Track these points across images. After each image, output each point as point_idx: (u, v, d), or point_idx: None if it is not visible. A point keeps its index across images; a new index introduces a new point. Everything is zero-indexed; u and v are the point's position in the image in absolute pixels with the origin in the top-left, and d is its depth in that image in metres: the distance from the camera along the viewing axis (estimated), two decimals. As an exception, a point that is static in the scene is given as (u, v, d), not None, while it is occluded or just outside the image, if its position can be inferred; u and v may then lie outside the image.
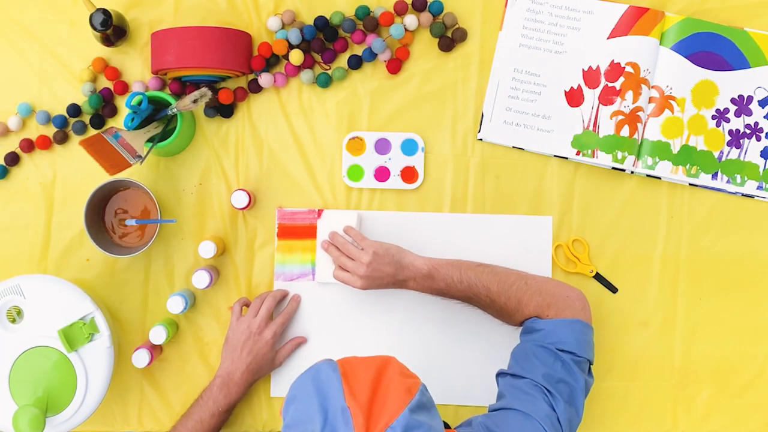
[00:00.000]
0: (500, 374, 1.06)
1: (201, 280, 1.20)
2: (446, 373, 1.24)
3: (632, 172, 1.25)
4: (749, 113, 1.25)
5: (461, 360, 1.24)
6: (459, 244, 1.24)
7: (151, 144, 1.18)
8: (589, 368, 1.06)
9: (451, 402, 1.24)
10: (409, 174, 1.26)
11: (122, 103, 1.27)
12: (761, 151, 1.24)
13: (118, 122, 1.27)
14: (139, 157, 1.17)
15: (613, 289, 1.25)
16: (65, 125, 1.27)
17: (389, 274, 1.15)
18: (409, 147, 1.26)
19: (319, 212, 1.25)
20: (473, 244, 1.24)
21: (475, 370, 1.24)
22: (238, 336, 1.19)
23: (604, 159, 1.23)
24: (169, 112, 1.18)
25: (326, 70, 1.27)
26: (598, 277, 1.25)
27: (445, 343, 1.24)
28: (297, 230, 1.26)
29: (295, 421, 0.81)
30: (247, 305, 1.24)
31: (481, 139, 1.26)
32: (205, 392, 1.18)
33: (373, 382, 0.80)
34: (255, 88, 1.26)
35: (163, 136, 1.19)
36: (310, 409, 0.80)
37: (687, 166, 1.24)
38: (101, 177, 1.19)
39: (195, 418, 1.16)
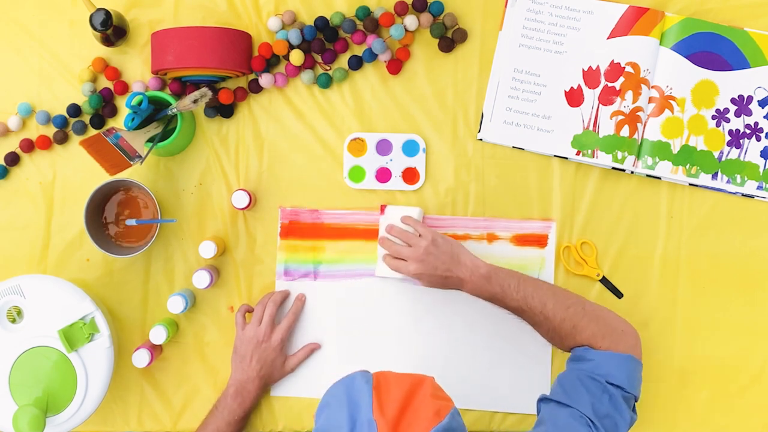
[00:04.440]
0: (543, 400, 1.02)
1: (201, 280, 1.20)
2: (450, 375, 1.23)
3: (632, 172, 1.25)
4: (749, 113, 1.25)
5: (467, 362, 1.24)
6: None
7: (151, 144, 1.18)
8: (634, 405, 1.03)
9: (458, 406, 1.24)
10: (410, 175, 1.25)
11: (122, 103, 1.27)
12: (761, 151, 1.25)
13: (118, 122, 1.27)
14: (139, 157, 1.16)
15: (619, 294, 1.24)
16: (65, 125, 1.27)
17: (445, 267, 1.12)
18: (410, 148, 1.25)
19: (382, 208, 1.23)
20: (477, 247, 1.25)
21: (483, 375, 1.24)
22: (246, 345, 1.20)
23: (604, 159, 1.23)
24: (169, 112, 1.17)
25: (327, 70, 1.27)
26: (604, 281, 1.24)
27: (451, 343, 1.24)
28: (299, 229, 1.26)
29: (325, 427, 0.82)
30: (250, 311, 1.24)
31: (481, 140, 1.26)
32: (220, 402, 1.19)
33: (404, 400, 0.81)
34: (255, 88, 1.26)
35: (163, 136, 1.19)
36: (339, 417, 0.81)
37: (687, 166, 1.24)
38: (101, 177, 1.19)
39: (211, 428, 1.17)
